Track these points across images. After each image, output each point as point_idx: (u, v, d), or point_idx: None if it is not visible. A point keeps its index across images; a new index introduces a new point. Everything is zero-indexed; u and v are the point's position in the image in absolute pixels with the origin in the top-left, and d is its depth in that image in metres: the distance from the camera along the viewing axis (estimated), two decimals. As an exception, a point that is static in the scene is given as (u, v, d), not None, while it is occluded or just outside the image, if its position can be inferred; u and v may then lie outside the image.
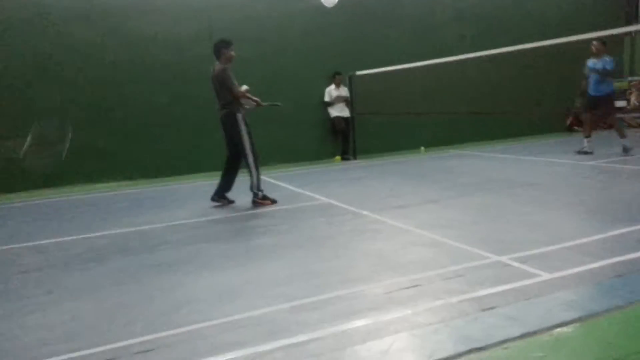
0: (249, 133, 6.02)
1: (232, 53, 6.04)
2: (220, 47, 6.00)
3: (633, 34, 13.08)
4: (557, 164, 8.05)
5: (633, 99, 12.72)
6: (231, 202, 6.35)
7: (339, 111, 10.25)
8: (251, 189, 6.14)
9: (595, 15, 12.36)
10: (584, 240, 4.01)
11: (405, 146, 11.04)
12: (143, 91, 8.81)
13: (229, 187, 6.37)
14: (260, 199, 6.12)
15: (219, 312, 3.07)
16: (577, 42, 7.71)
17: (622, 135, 8.43)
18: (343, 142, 10.36)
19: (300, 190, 7.08)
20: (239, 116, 5.98)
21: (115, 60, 8.71)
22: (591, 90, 8.46)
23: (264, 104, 6.37)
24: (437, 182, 7.10)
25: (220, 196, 6.35)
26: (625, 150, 8.30)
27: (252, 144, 6.02)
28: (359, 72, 10.02)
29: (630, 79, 12.88)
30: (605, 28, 8.58)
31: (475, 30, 11.29)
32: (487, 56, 8.16)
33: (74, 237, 5.18)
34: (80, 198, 7.63)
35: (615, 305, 2.80)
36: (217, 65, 6.03)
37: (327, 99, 10.23)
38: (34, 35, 8.23)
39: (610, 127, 12.47)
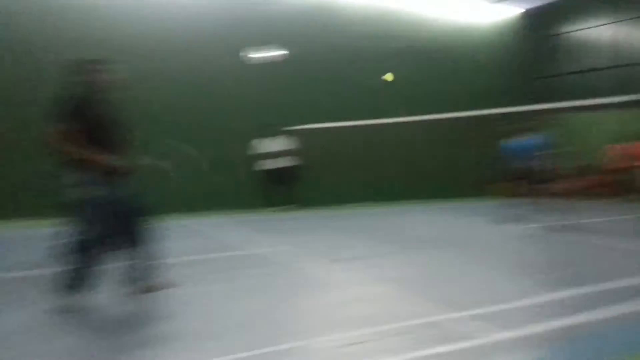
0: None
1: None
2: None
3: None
4: (500, 225, 8.12)
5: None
6: None
7: (272, 163, 10.28)
8: None
9: (519, 93, 13.40)
10: (525, 302, 4.05)
11: (349, 199, 11.10)
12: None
13: None
14: None
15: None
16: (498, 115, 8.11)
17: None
18: (286, 191, 10.32)
19: (242, 240, 6.86)
20: None
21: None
22: (523, 163, 7.95)
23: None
24: (382, 237, 7.13)
25: None
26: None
27: None
28: (301, 127, 10.16)
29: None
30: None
31: (410, 96, 11.80)
32: (420, 121, 8.56)
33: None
34: None
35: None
36: None
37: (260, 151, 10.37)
38: None
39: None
